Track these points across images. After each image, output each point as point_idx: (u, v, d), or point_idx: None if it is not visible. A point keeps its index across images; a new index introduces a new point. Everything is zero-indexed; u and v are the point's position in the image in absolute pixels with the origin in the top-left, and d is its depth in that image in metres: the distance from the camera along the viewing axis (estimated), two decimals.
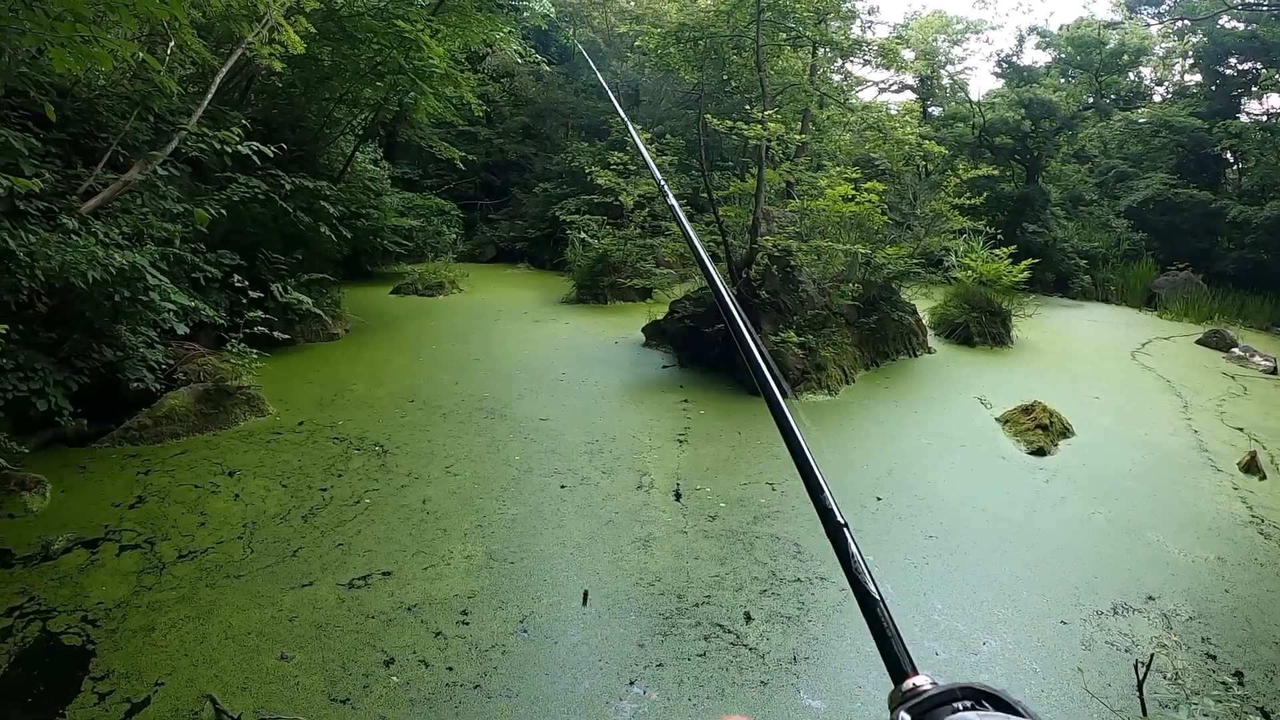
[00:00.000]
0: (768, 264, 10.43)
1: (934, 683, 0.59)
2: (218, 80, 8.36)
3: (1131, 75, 24.96)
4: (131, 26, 6.41)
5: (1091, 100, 24.06)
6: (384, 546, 5.20)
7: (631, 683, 3.91)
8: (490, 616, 4.43)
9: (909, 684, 0.60)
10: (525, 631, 4.31)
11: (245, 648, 4.04)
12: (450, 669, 3.95)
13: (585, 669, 4.02)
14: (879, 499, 6.37)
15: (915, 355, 11.99)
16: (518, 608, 4.54)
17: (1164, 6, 26.18)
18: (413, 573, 4.89)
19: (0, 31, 4.60)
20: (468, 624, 4.35)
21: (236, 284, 8.39)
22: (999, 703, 0.54)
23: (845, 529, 0.69)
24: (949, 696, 0.56)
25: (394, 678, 3.86)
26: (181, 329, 7.32)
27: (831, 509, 0.73)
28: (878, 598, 0.66)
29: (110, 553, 4.96)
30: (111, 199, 7.08)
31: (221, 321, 8.20)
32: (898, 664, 0.62)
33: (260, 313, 8.23)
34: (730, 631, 4.38)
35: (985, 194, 16.47)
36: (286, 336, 9.10)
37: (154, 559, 4.90)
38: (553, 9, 21.73)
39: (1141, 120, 24.32)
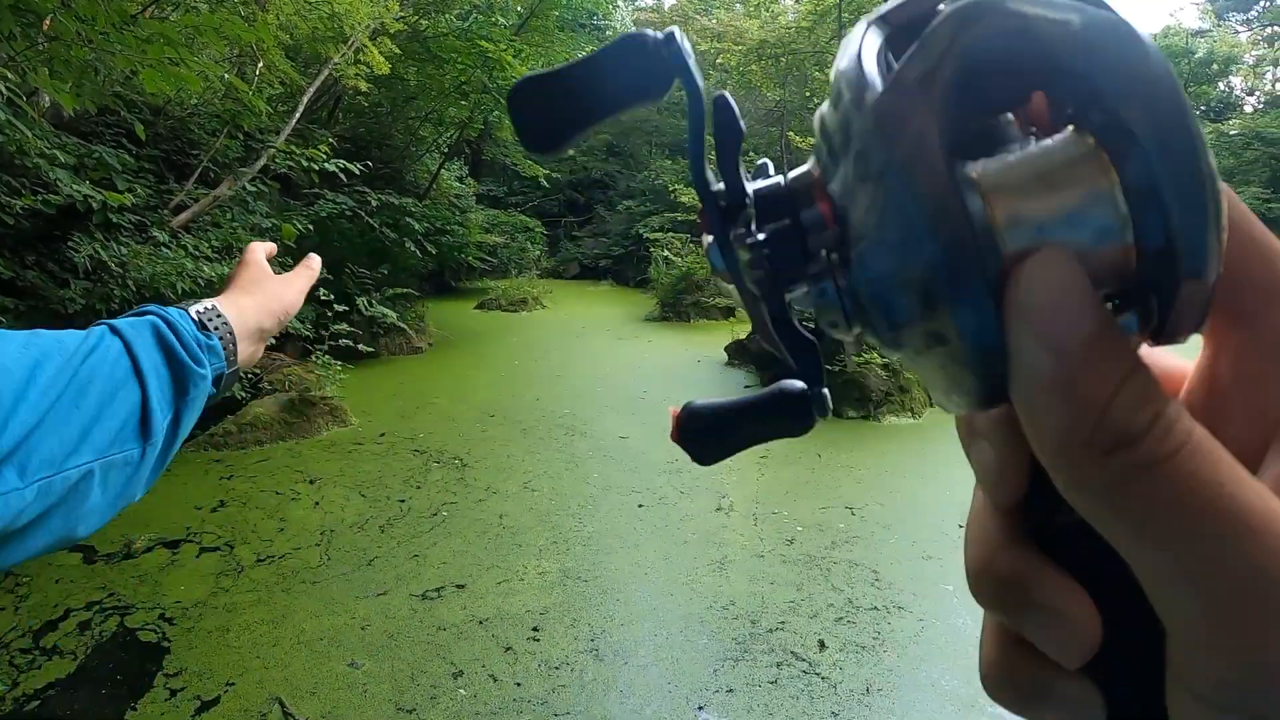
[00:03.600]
0: None
1: None
2: (305, 99, 8.59)
3: (1221, 85, 23.94)
4: (220, 49, 6.60)
5: None
6: (459, 559, 5.16)
7: (700, 707, 3.76)
8: (561, 634, 4.33)
9: None
10: (596, 650, 4.19)
11: (316, 653, 4.03)
12: (519, 684, 3.86)
13: (654, 691, 3.88)
14: (961, 526, 6.08)
15: None
16: (589, 626, 4.42)
17: (1253, 12, 25.07)
18: (486, 587, 4.82)
19: (96, 53, 4.74)
20: (538, 640, 4.26)
21: (322, 297, 8.55)
22: None
23: None
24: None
25: (462, 690, 3.79)
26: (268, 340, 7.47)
27: None
28: None
29: (190, 554, 5.04)
30: (202, 214, 7.30)
31: (307, 334, 8.36)
32: None
33: (345, 325, 8.39)
34: (803, 659, 4.18)
35: None
36: (371, 349, 9.25)
37: (232, 562, 4.96)
38: (634, 28, 21.90)
39: (1233, 132, 23.15)
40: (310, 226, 8.86)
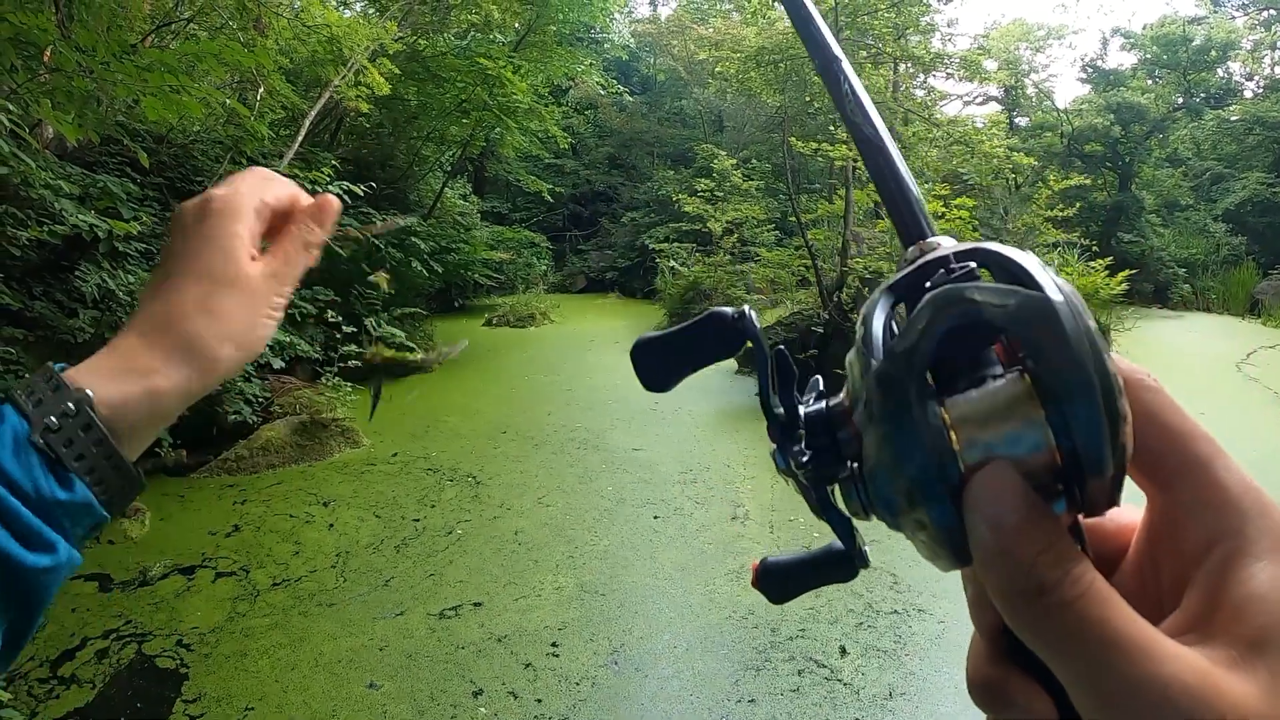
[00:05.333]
0: (859, 287, 10.15)
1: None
2: (307, 123, 8.61)
3: (1220, 71, 23.93)
4: (221, 75, 6.61)
5: (1181, 100, 23.05)
6: (475, 577, 5.14)
7: (723, 719, 3.73)
8: (580, 648, 4.30)
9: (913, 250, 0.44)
10: (615, 664, 4.16)
11: (335, 675, 4.00)
12: (539, 701, 3.83)
13: (675, 703, 3.84)
14: None
15: None
16: (608, 640, 4.40)
17: None
18: (503, 603, 4.80)
19: (97, 83, 4.76)
20: (558, 655, 4.23)
21: (330, 319, 8.57)
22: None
23: (839, 63, 0.52)
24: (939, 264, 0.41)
25: (482, 709, 3.76)
26: (277, 363, 7.49)
27: (823, 42, 0.54)
28: (883, 144, 0.48)
29: (206, 579, 5.03)
30: None
31: (316, 356, 8.38)
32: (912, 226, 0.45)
33: (354, 347, 8.38)
34: (825, 666, 4.14)
35: (1078, 204, 15.90)
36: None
37: (248, 586, 4.95)
38: (632, 40, 22.03)
39: (1234, 118, 22.91)
40: None
